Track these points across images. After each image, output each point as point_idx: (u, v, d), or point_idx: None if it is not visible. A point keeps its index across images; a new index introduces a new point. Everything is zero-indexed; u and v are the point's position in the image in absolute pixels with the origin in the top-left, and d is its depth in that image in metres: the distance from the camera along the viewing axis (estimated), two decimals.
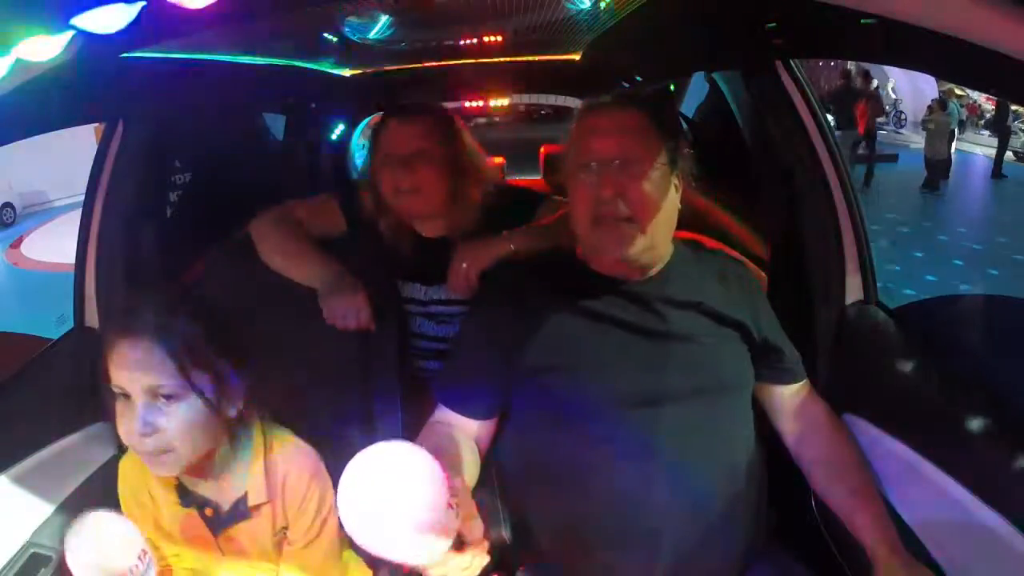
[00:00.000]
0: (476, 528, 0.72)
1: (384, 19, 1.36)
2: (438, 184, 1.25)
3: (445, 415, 0.99)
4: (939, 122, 8.83)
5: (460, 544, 0.70)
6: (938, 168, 8.72)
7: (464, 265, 1.16)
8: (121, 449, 1.30)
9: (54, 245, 7.75)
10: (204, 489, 0.94)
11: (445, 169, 1.25)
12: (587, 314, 0.95)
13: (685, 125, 1.84)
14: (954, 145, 9.55)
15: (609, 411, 0.90)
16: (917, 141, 11.35)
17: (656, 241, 0.94)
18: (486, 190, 1.32)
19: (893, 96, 13.52)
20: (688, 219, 0.99)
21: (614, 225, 0.91)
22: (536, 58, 2.14)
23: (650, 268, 0.97)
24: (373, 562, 1.08)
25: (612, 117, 0.95)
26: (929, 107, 9.74)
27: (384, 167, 1.26)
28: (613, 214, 0.91)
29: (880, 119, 10.32)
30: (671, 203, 0.94)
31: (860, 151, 9.09)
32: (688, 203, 0.98)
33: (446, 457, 0.89)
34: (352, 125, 2.65)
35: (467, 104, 3.31)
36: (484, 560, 0.73)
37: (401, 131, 1.25)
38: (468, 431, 0.98)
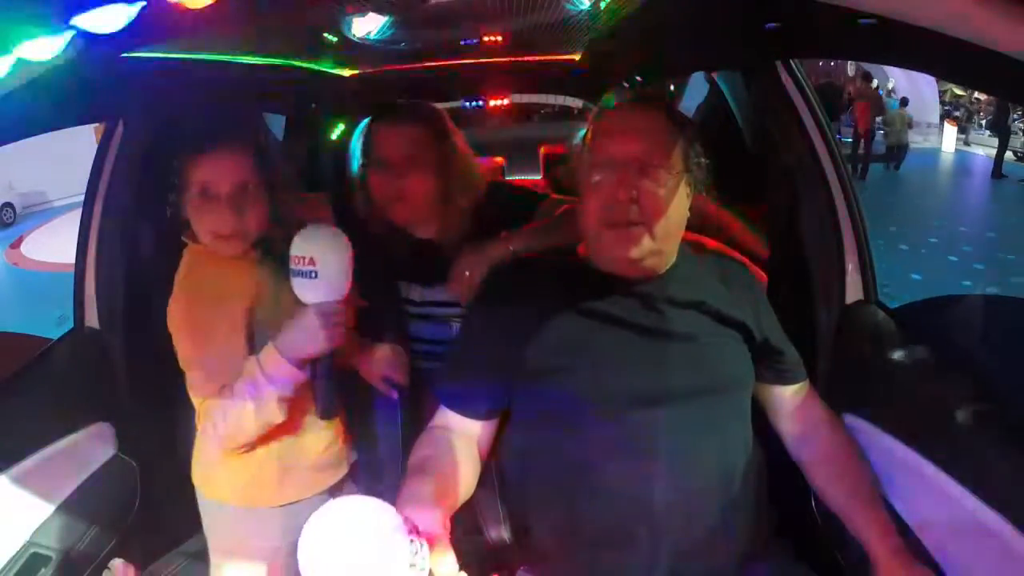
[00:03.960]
0: (448, 566, 0.68)
1: (384, 19, 1.36)
2: (426, 191, 1.23)
3: (446, 417, 0.99)
4: (895, 117, 10.84)
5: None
6: (898, 153, 10.88)
7: (466, 272, 1.15)
8: (121, 449, 1.31)
9: (54, 245, 7.75)
10: None
11: (434, 175, 1.23)
12: (589, 313, 0.95)
13: None
14: (950, 139, 12.23)
15: (611, 411, 0.90)
16: (918, 140, 11.58)
17: (663, 247, 0.93)
18: (477, 194, 1.30)
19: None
20: (690, 219, 0.98)
21: (625, 229, 0.90)
22: (536, 58, 2.14)
23: (654, 270, 0.96)
24: None
25: (634, 118, 0.94)
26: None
27: (374, 172, 1.24)
28: (625, 218, 0.90)
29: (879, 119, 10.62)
30: (681, 210, 0.94)
31: (859, 150, 9.45)
32: (692, 206, 0.97)
33: (439, 468, 0.89)
34: (352, 125, 2.65)
35: (467, 104, 3.31)
36: None
37: (391, 136, 1.23)
38: (469, 433, 0.98)
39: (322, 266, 0.94)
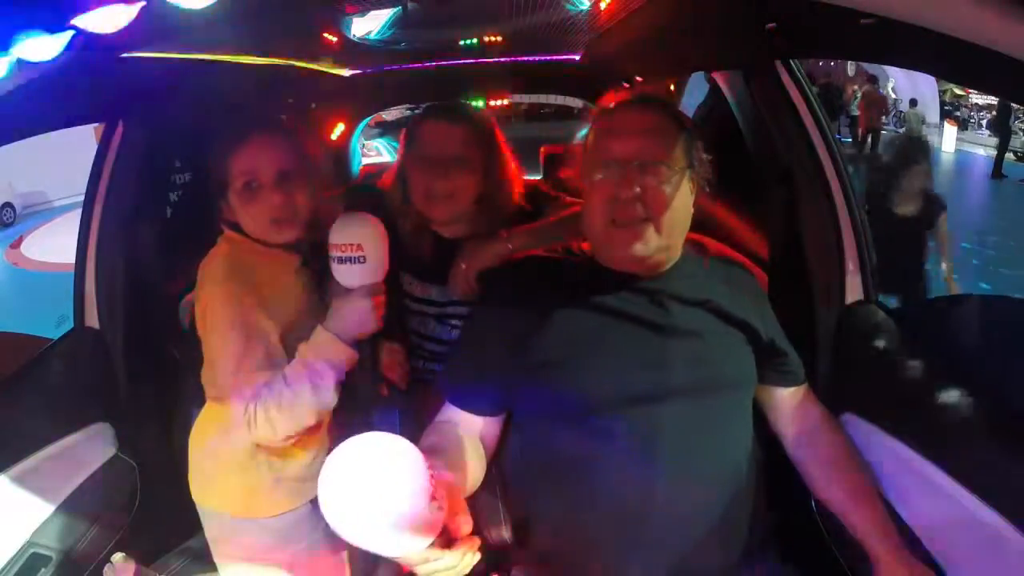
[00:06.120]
0: (465, 525, 0.69)
1: (385, 19, 1.36)
2: (471, 191, 1.23)
3: (451, 413, 0.99)
4: (912, 116, 11.65)
5: (450, 541, 0.69)
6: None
7: (463, 266, 1.15)
8: (121, 449, 1.31)
9: (54, 245, 7.74)
10: None
11: (480, 176, 1.23)
12: (595, 309, 0.95)
13: None
14: (950, 139, 12.55)
15: (614, 406, 0.90)
16: None
17: (669, 242, 0.94)
18: (515, 197, 1.29)
19: (893, 96, 13.54)
20: (692, 219, 0.98)
21: (631, 226, 0.91)
22: (536, 58, 2.14)
23: (660, 266, 0.97)
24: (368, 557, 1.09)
25: (635, 117, 0.95)
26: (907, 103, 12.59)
27: (418, 168, 1.22)
28: (631, 215, 0.90)
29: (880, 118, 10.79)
30: (686, 206, 0.94)
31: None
32: (696, 205, 0.97)
33: (447, 455, 0.89)
34: (352, 125, 2.66)
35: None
36: (475, 558, 0.72)
37: (442, 133, 1.22)
38: (474, 429, 0.98)
39: (369, 251, 1.00)
